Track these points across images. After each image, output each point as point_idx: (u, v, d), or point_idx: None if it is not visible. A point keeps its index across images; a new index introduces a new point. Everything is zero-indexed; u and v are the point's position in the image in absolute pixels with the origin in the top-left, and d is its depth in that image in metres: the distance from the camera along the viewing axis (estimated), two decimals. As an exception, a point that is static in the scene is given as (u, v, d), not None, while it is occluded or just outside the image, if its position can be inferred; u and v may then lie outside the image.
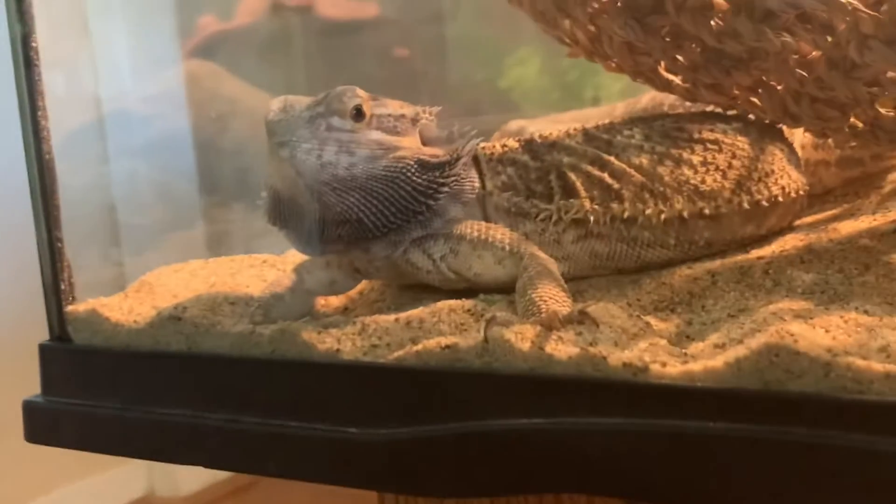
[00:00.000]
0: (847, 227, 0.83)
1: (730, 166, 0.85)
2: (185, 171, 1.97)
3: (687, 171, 0.84)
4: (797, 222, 0.91)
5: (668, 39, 0.73)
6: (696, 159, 0.85)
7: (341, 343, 0.73)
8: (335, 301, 0.90)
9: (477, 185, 0.83)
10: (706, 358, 0.61)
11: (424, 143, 0.80)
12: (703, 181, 0.83)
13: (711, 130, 0.87)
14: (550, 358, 0.63)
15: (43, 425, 0.87)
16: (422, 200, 0.78)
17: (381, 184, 0.76)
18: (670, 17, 0.70)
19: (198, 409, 0.77)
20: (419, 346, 0.69)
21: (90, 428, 0.84)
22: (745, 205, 0.84)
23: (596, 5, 0.74)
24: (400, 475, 0.67)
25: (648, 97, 1.12)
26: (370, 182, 0.76)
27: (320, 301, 0.89)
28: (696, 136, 0.86)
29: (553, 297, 0.72)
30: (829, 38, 0.67)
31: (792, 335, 0.57)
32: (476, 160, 0.85)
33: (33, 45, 0.84)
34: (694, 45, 0.73)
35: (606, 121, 0.89)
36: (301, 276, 0.87)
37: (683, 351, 0.64)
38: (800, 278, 0.74)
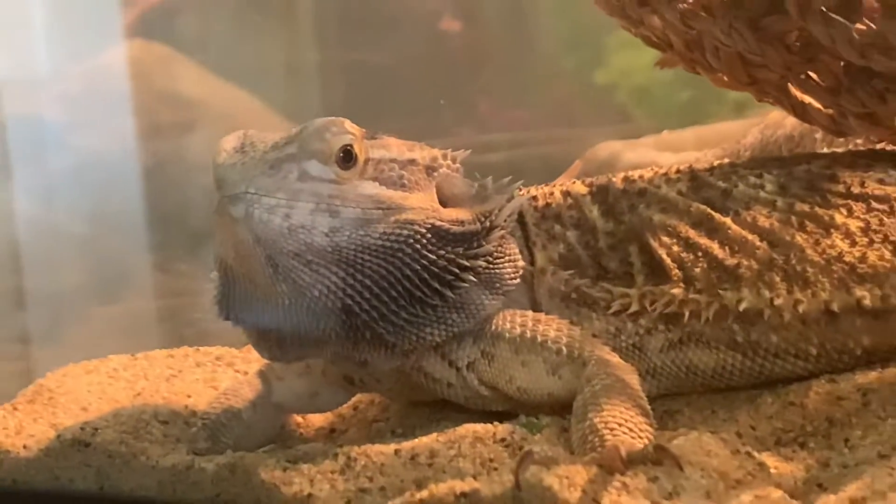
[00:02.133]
0: None
1: None
2: (119, 213, 2.03)
3: (840, 243, 0.88)
4: None
5: (792, 51, 0.79)
6: (854, 225, 0.89)
7: (315, 485, 0.79)
8: (317, 420, 0.96)
9: (521, 265, 0.88)
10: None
11: (445, 202, 0.86)
12: (863, 258, 0.88)
13: (880, 181, 0.92)
14: (606, 515, 0.69)
15: None
16: (436, 288, 0.84)
17: (377, 259, 0.82)
18: (793, 21, 0.76)
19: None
20: (425, 493, 0.74)
21: None
22: None
23: (690, 1, 0.80)
24: None
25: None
26: (361, 255, 0.82)
27: (296, 420, 0.95)
28: (855, 189, 0.91)
29: (626, 424, 0.77)
30: None
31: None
32: (522, 220, 0.90)
33: None
34: (832, 60, 0.78)
35: (726, 160, 0.95)
36: (269, 385, 0.93)
37: (803, 509, 0.69)
38: None
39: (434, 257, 0.83)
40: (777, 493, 0.70)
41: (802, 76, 0.82)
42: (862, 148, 0.96)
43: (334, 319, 0.83)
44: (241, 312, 0.85)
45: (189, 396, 0.98)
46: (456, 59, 2.09)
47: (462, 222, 0.85)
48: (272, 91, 2.07)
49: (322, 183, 0.81)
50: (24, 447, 0.91)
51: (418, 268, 0.83)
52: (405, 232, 0.82)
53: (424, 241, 0.83)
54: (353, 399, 0.97)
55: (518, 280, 0.88)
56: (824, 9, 0.74)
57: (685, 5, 0.81)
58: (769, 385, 0.88)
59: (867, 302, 0.87)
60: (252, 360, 1.07)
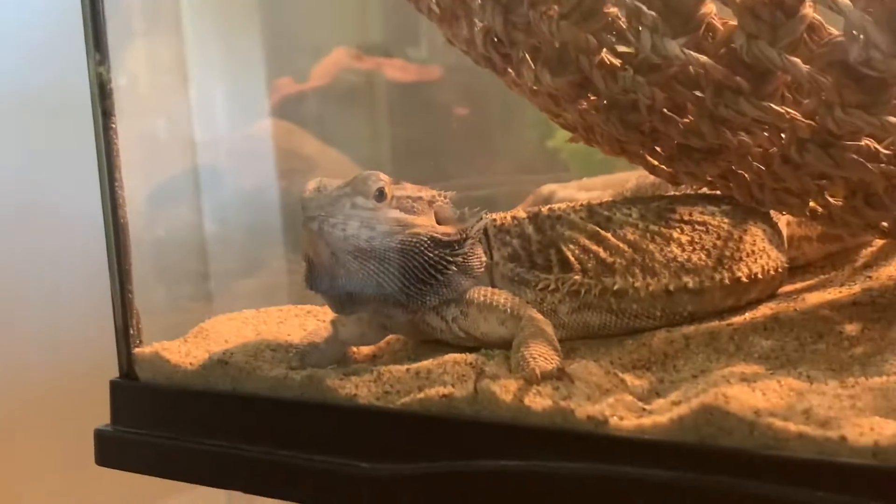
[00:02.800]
0: (814, 298, 0.90)
1: (714, 246, 0.93)
2: (264, 226, 2.10)
3: (675, 249, 0.92)
4: (788, 288, 0.98)
5: (645, 134, 0.81)
6: (684, 239, 0.93)
7: (358, 389, 0.82)
8: (365, 350, 0.99)
9: (484, 260, 0.92)
10: (659, 414, 0.69)
11: (439, 223, 0.90)
12: (689, 259, 0.91)
13: (701, 212, 0.95)
14: (528, 409, 0.72)
15: (111, 451, 0.97)
16: (432, 273, 0.87)
17: (397, 255, 0.86)
18: (645, 117, 0.79)
19: (238, 441, 0.87)
20: (422, 395, 0.78)
21: (150, 455, 0.94)
22: (727, 281, 0.92)
23: (585, 104, 0.83)
24: (399, 505, 0.76)
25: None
26: (387, 253, 0.85)
27: (352, 350, 0.99)
28: (686, 217, 0.94)
29: (542, 355, 0.80)
30: (783, 137, 0.75)
31: (726, 397, 0.65)
32: (486, 233, 0.94)
33: (113, 125, 0.96)
34: (668, 139, 0.81)
35: (609, 198, 0.98)
36: (336, 328, 0.96)
37: (643, 406, 0.72)
38: (759, 344, 0.81)
39: (431, 255, 0.87)
40: (629, 397, 0.73)
41: (652, 149, 0.83)
42: (690, 192, 0.99)
43: (372, 290, 0.87)
44: (318, 285, 0.89)
45: (289, 335, 1.01)
46: (462, 132, 2.14)
47: (449, 234, 0.88)
48: (358, 152, 2.14)
49: (365, 210, 0.85)
50: (190, 364, 0.94)
51: (422, 261, 0.86)
52: (414, 240, 0.86)
53: (425, 245, 0.86)
54: (388, 338, 0.99)
55: (483, 269, 0.91)
56: (665, 110, 0.76)
57: (582, 107, 0.83)
58: (632, 334, 0.90)
59: (690, 285, 0.90)
60: (329, 315, 1.10)
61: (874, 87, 0.64)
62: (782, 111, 0.69)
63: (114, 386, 0.98)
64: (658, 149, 0.84)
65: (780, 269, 0.96)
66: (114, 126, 0.96)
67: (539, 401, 0.72)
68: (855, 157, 0.69)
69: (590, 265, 0.90)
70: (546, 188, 1.56)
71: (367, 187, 0.86)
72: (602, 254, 0.91)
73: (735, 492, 0.61)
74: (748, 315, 0.90)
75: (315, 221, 0.84)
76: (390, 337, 1.00)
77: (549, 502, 0.69)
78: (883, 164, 0.69)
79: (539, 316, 0.87)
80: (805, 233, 1.03)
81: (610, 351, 0.87)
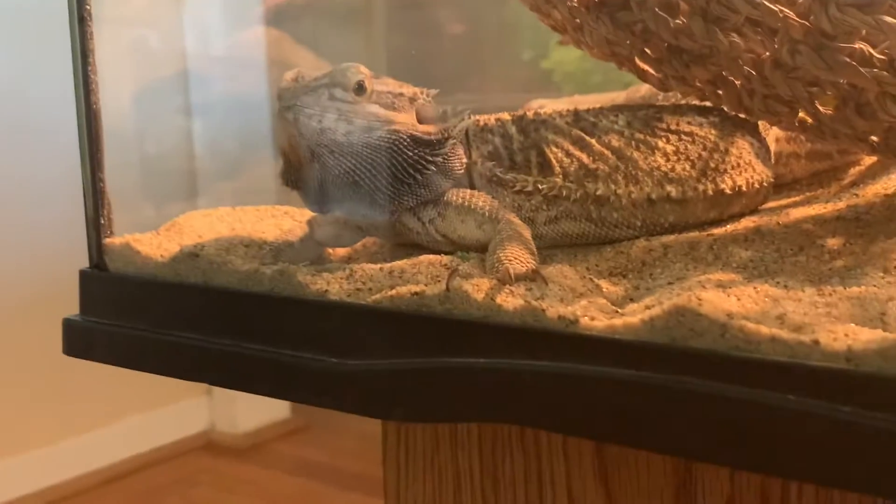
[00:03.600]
0: (798, 213, 0.88)
1: (699, 157, 0.91)
2: (250, 127, 2.07)
3: (660, 159, 0.89)
4: (760, 208, 0.96)
5: (635, 34, 0.79)
6: (669, 148, 0.90)
7: (330, 285, 0.80)
8: (341, 252, 0.98)
9: (464, 161, 0.89)
10: (631, 315, 0.68)
11: (420, 121, 0.87)
12: (672, 168, 0.89)
13: (689, 123, 0.92)
14: (499, 308, 0.71)
15: (78, 342, 0.96)
16: (411, 173, 0.85)
17: (374, 152, 0.83)
18: (636, 14, 0.76)
19: (207, 334, 0.85)
20: (393, 292, 0.76)
21: (118, 346, 0.93)
22: (710, 192, 0.90)
23: (575, 1, 0.80)
24: (366, 401, 0.75)
25: (646, 87, 1.17)
26: (365, 150, 0.83)
27: (328, 251, 0.97)
28: (673, 126, 0.92)
29: (517, 258, 0.78)
30: (775, 42, 0.73)
31: (699, 299, 0.63)
32: (467, 133, 0.91)
33: (87, 5, 0.93)
34: (658, 41, 0.78)
35: (598, 105, 0.95)
36: (312, 228, 0.94)
37: (616, 309, 0.70)
38: (738, 254, 0.79)
39: (410, 153, 0.84)
40: (601, 301, 0.72)
41: (642, 52, 0.81)
42: (679, 103, 0.96)
43: (347, 188, 0.84)
44: (294, 181, 0.86)
45: (263, 233, 0.99)
46: (457, 50, 2.11)
47: (429, 133, 0.85)
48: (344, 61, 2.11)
49: (342, 103, 0.82)
50: (161, 256, 0.93)
51: (401, 159, 0.84)
52: (393, 137, 0.83)
53: (405, 143, 0.84)
54: (364, 240, 0.97)
55: (462, 170, 0.88)
56: (656, 9, 0.74)
57: (572, 4, 0.80)
58: (610, 243, 0.88)
59: (673, 194, 0.89)
60: (305, 215, 1.08)
61: (872, -14, 0.62)
62: (775, 9, 0.66)
63: (83, 276, 0.96)
64: (648, 51, 0.81)
65: (765, 184, 0.94)
66: (88, 7, 0.93)
67: (511, 300, 0.71)
68: (848, 60, 0.67)
69: (571, 169, 0.88)
70: (536, 103, 1.53)
71: (346, 79, 0.83)
72: (585, 159, 0.88)
73: (705, 393, 0.60)
74: (729, 227, 0.88)
75: (290, 112, 0.81)
76: (367, 239, 0.98)
77: (517, 400, 0.68)
78: (876, 69, 0.67)
79: (517, 220, 0.85)
80: (793, 149, 1.01)
81: (587, 257, 0.85)
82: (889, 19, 0.62)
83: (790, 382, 0.58)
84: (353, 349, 0.76)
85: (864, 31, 0.66)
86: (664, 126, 0.92)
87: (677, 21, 0.75)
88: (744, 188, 0.91)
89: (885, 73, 0.67)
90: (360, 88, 0.83)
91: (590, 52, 0.90)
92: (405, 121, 0.85)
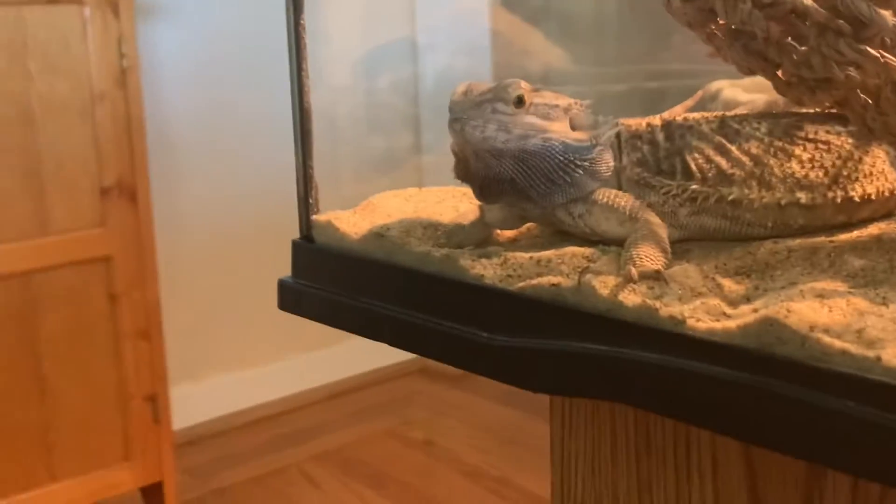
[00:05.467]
0: (925, 224, 0.93)
1: (833, 165, 0.97)
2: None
3: (795, 165, 0.97)
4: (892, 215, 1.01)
5: (767, 61, 0.86)
6: (805, 156, 0.97)
7: (485, 270, 0.94)
8: (507, 234, 1.10)
9: (612, 164, 0.98)
10: (734, 319, 0.78)
11: (573, 129, 0.97)
12: (805, 175, 0.96)
13: (826, 132, 0.99)
14: (620, 304, 0.82)
15: (290, 299, 1.15)
16: (561, 175, 0.96)
17: (529, 156, 0.95)
18: (762, 46, 0.83)
19: (387, 303, 1.02)
20: (536, 282, 0.89)
21: (320, 306, 1.11)
22: (839, 199, 0.96)
23: (713, 27, 0.88)
24: (509, 372, 0.89)
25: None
26: (521, 154, 0.95)
27: (496, 232, 1.10)
28: (811, 135, 0.99)
29: (648, 256, 0.89)
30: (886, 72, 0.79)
31: (788, 311, 0.73)
32: (618, 138, 1.01)
33: (302, 22, 1.09)
34: (784, 69, 0.86)
35: (743, 111, 1.03)
36: (482, 212, 1.08)
37: (723, 311, 0.80)
38: (851, 263, 0.87)
39: (561, 158, 0.96)
40: (715, 301, 0.82)
41: (774, 74, 0.88)
42: (821, 111, 1.01)
43: (506, 185, 0.97)
44: (463, 176, 1.00)
45: (441, 214, 1.13)
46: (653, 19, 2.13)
47: (580, 140, 0.96)
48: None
49: (503, 115, 0.94)
50: (355, 234, 1.09)
51: (552, 163, 0.96)
52: (546, 144, 0.95)
53: (556, 149, 0.95)
54: (528, 225, 1.09)
55: (610, 173, 0.98)
56: (781, 41, 0.80)
57: (711, 30, 0.88)
58: (742, 242, 0.97)
59: (803, 200, 0.96)
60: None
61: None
62: (877, 54, 0.73)
63: (295, 246, 1.15)
64: (779, 74, 0.88)
65: (895, 192, 0.99)
66: (303, 23, 1.10)
67: (632, 297, 0.82)
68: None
69: (710, 174, 0.97)
70: (715, 85, 1.58)
71: (507, 94, 0.95)
72: (723, 164, 0.97)
73: (785, 396, 0.70)
74: (854, 233, 0.94)
75: (458, 123, 0.94)
76: (530, 224, 1.10)
77: (627, 385, 0.80)
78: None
79: (656, 219, 0.94)
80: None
81: (718, 255, 0.94)
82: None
83: (852, 392, 0.67)
84: (500, 327, 0.90)
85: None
86: (803, 134, 0.98)
87: (802, 49, 0.83)
88: (873, 196, 0.97)
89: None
90: (519, 102, 0.95)
91: (737, 66, 0.97)
92: (558, 129, 0.96)
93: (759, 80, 1.68)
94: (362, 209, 1.17)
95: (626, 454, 1.02)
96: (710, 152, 0.98)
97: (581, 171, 0.97)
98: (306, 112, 1.12)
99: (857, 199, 0.96)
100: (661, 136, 1.01)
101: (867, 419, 0.66)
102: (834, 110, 1.00)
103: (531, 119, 0.96)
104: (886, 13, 0.68)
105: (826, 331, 0.71)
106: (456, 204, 1.20)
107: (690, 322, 0.78)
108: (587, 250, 0.94)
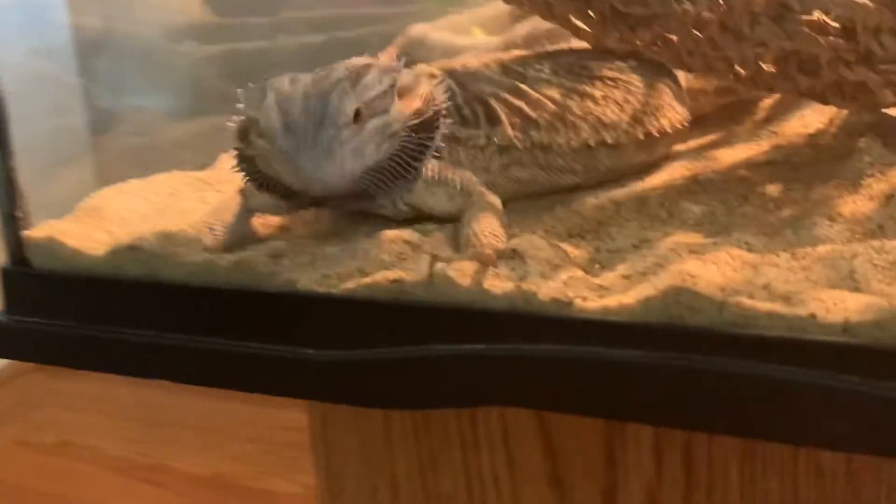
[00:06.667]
0: (726, 157, 0.92)
1: (626, 101, 0.92)
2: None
3: (591, 105, 0.90)
4: (680, 147, 0.99)
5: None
6: (597, 94, 0.91)
7: (294, 274, 0.78)
8: (274, 220, 0.93)
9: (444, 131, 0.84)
10: (618, 291, 0.69)
11: (401, 96, 0.81)
12: (604, 114, 0.90)
13: (609, 68, 0.93)
14: (488, 293, 0.70)
15: (7, 341, 0.90)
16: (414, 165, 0.81)
17: (386, 166, 0.80)
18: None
19: (161, 329, 0.81)
20: (368, 280, 0.75)
21: (53, 343, 0.88)
22: (640, 136, 0.91)
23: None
24: (355, 392, 0.74)
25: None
26: (378, 168, 0.79)
27: (258, 220, 0.92)
28: (596, 72, 0.92)
29: (493, 233, 0.77)
30: (723, 5, 0.73)
31: (692, 277, 0.65)
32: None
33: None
34: (602, 4, 0.78)
35: (516, 54, 0.94)
36: (246, 198, 0.89)
37: (599, 284, 0.71)
38: (690, 210, 0.82)
39: (413, 148, 0.81)
40: (579, 273, 0.73)
41: (585, 12, 0.80)
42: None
43: (352, 196, 0.82)
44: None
45: (190, 210, 0.94)
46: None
47: (421, 112, 0.81)
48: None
49: (350, 140, 0.77)
50: (92, 249, 0.86)
51: (409, 159, 0.81)
52: (396, 141, 0.80)
53: (411, 145, 0.81)
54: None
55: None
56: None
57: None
58: (559, 197, 0.88)
59: (609, 140, 0.89)
60: (221, 181, 1.03)
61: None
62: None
63: (6, 275, 0.89)
64: (591, 13, 0.80)
65: (684, 124, 0.97)
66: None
67: (499, 284, 0.71)
68: (807, 30, 0.68)
69: (515, 120, 0.87)
70: (415, 29, 1.49)
71: (346, 117, 0.76)
72: (526, 108, 0.88)
73: (708, 370, 0.63)
74: (666, 176, 0.90)
75: (303, 171, 0.76)
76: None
77: (514, 386, 0.69)
78: (831, 38, 0.69)
79: (489, 192, 0.83)
80: (701, 86, 1.04)
81: (541, 219, 0.85)
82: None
83: (788, 355, 0.61)
84: (332, 340, 0.75)
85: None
86: (588, 72, 0.92)
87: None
88: (668, 129, 0.94)
89: (840, 40, 0.69)
90: (357, 117, 0.77)
91: (522, 9, 0.88)
92: (399, 115, 0.80)
93: (458, 20, 1.61)
94: (85, 215, 0.93)
95: (402, 434, 0.91)
96: (509, 97, 0.89)
97: (428, 150, 0.82)
98: (-2, 99, 0.86)
99: (655, 134, 0.92)
100: (452, 84, 0.89)
101: (812, 383, 0.60)
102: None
103: (373, 124, 0.78)
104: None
105: (737, 291, 0.65)
106: (201, 195, 1.00)
107: (578, 302, 0.68)
108: (404, 232, 0.81)
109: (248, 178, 0.83)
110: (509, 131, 0.87)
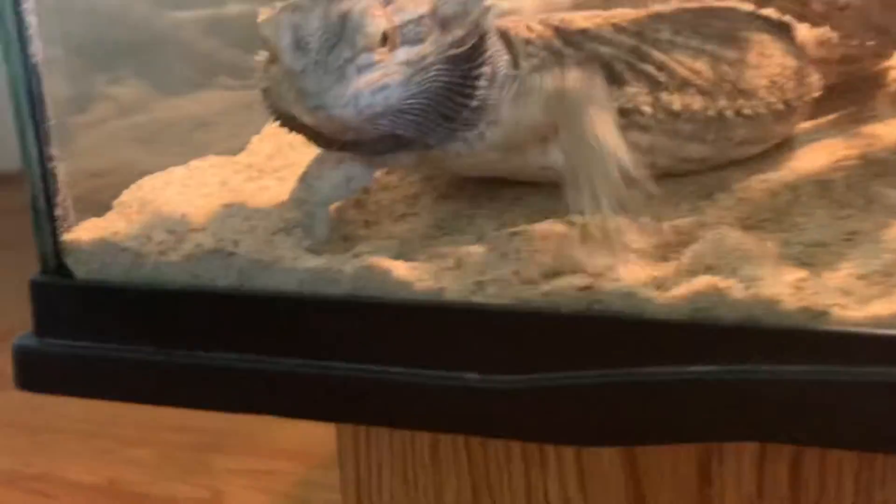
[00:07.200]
0: (885, 133, 0.80)
1: (760, 65, 0.80)
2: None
3: (725, 68, 0.78)
4: (810, 124, 0.87)
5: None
6: (730, 55, 0.79)
7: (438, 280, 0.63)
8: (351, 211, 0.78)
9: (507, 58, 0.71)
10: (868, 297, 0.57)
11: (443, 26, 0.67)
12: (741, 78, 0.78)
13: (736, 27, 0.81)
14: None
15: (42, 372, 0.72)
16: (462, 104, 0.67)
17: (417, 100, 0.65)
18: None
19: (262, 353, 0.66)
20: (548, 287, 0.60)
21: (107, 373, 0.71)
22: (780, 105, 0.80)
23: None
24: (543, 424, 0.60)
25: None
26: (410, 105, 0.64)
27: (332, 214, 0.77)
28: (723, 31, 0.80)
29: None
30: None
31: None
32: (505, 36, 0.73)
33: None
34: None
35: (624, 11, 0.81)
36: (312, 187, 0.74)
37: (835, 287, 0.59)
38: (889, 195, 0.70)
39: (454, 79, 0.66)
40: (803, 273, 0.60)
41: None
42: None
43: (391, 142, 0.68)
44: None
45: (259, 201, 0.78)
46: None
47: (463, 41, 0.67)
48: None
49: (373, 69, 0.63)
50: (160, 253, 0.70)
51: (447, 93, 0.66)
52: (431, 74, 0.65)
53: (445, 70, 0.66)
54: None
55: (509, 72, 0.72)
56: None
57: None
58: (714, 180, 0.76)
59: (746, 111, 0.77)
60: (273, 165, 0.87)
61: None
62: None
63: (38, 287, 0.72)
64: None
65: (814, 95, 0.86)
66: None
67: (724, 284, 0.58)
68: None
69: (641, 83, 0.75)
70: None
71: (369, 39, 0.62)
72: (651, 70, 0.75)
73: None
74: (823, 155, 0.78)
75: (321, 109, 0.61)
76: (377, 186, 0.80)
77: (754, 416, 0.56)
78: None
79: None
80: (824, 55, 0.92)
81: (702, 209, 0.72)
82: None
83: None
84: (500, 362, 0.60)
85: None
86: (714, 31, 0.79)
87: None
88: (805, 97, 0.82)
89: None
90: (383, 40, 0.63)
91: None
92: (434, 46, 0.66)
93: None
94: (134, 211, 0.76)
95: (452, 452, 0.78)
96: (629, 58, 0.76)
97: (483, 87, 0.68)
98: (34, 69, 0.68)
99: (794, 103, 0.80)
100: (559, 44, 0.75)
101: None
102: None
103: (403, 54, 0.64)
104: None
105: None
106: (259, 184, 0.84)
107: (836, 311, 0.56)
108: (556, 225, 0.66)
109: (273, 116, 0.68)
110: (635, 90, 0.74)
